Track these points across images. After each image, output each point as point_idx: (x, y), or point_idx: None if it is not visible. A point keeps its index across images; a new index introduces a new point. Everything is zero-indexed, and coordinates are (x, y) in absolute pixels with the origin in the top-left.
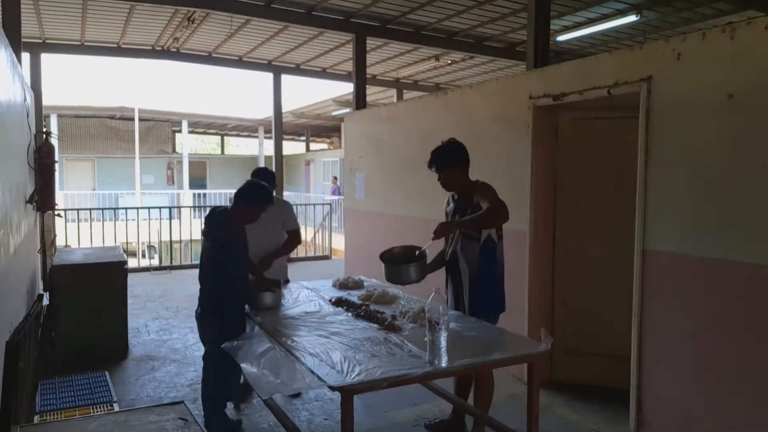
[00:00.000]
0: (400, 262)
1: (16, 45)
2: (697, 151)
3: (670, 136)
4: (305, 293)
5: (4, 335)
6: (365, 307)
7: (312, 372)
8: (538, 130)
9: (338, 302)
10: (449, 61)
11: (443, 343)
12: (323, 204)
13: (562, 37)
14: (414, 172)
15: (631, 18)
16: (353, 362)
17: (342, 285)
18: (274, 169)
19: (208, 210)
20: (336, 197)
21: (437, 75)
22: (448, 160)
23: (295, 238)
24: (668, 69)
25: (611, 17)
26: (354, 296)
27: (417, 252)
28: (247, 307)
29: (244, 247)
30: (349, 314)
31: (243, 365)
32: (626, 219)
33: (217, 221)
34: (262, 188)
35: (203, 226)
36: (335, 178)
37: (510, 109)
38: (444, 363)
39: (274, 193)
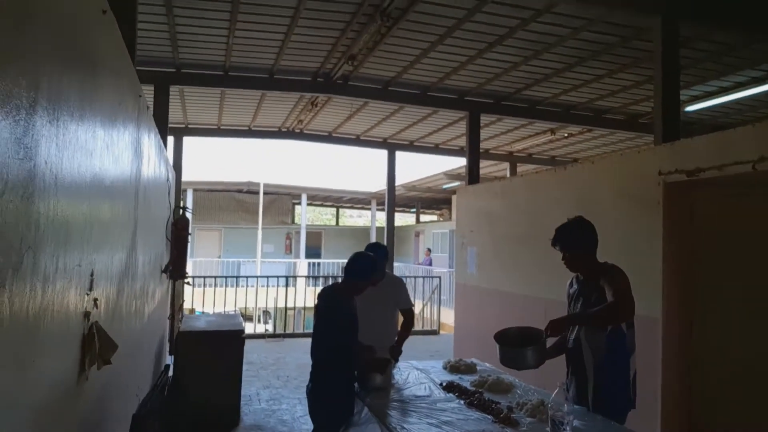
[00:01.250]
0: (517, 345)
1: (164, 131)
2: None
3: None
4: (415, 374)
5: (133, 403)
6: (479, 395)
7: None
8: (670, 208)
9: (449, 387)
10: (566, 135)
11: None
12: (432, 277)
13: (691, 108)
14: (530, 248)
15: None
16: None
17: (453, 368)
18: (385, 241)
19: (321, 280)
20: (430, 268)
21: (553, 148)
22: (575, 240)
23: (410, 318)
24: None
25: (746, 86)
26: (466, 381)
27: (537, 335)
28: (356, 385)
29: (353, 324)
30: (461, 402)
31: None
32: None
33: (326, 297)
34: (366, 259)
35: (316, 301)
36: (429, 249)
37: (636, 186)
38: None
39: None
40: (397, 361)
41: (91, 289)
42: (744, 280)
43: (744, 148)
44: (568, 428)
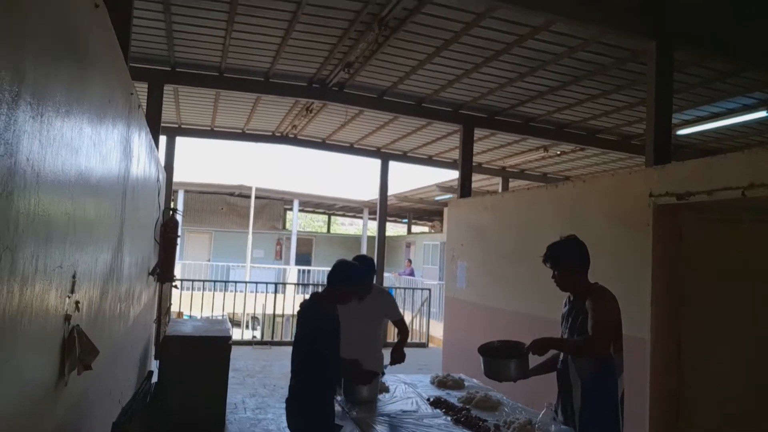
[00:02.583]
0: (501, 356)
1: (156, 130)
2: None
3: None
4: (402, 388)
5: (115, 410)
6: (466, 411)
7: None
8: (659, 230)
9: (437, 403)
10: (558, 152)
11: None
12: (422, 289)
13: (683, 131)
14: (519, 264)
15: (761, 114)
16: None
17: (441, 383)
18: (376, 251)
19: (311, 287)
20: (419, 279)
21: (545, 165)
22: (566, 258)
23: (403, 327)
24: None
25: (738, 112)
26: (453, 397)
27: (520, 348)
28: (340, 398)
29: (335, 334)
30: (448, 418)
31: None
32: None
33: (307, 307)
34: (346, 264)
35: (297, 312)
36: (409, 260)
37: (627, 207)
38: None
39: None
40: (401, 362)
41: (72, 291)
42: (731, 304)
43: (734, 174)
44: None
